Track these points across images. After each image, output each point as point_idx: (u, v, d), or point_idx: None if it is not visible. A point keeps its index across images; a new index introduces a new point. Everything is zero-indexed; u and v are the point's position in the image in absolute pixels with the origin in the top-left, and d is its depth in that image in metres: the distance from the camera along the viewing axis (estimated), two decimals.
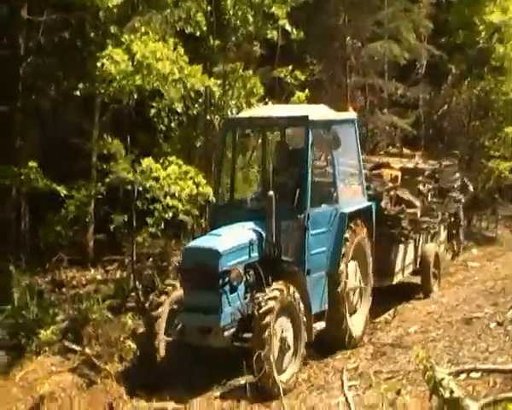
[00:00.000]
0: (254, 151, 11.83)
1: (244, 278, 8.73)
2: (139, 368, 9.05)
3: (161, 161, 10.21)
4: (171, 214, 10.63)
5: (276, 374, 8.16)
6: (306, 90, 13.16)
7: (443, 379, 5.40)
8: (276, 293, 8.44)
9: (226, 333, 8.44)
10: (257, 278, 8.85)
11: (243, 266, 8.77)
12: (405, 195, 12.17)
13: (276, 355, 8.35)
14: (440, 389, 5.29)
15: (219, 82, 11.76)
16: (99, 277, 11.92)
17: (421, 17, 18.21)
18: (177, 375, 8.59)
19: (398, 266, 11.97)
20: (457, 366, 8.06)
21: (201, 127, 12.44)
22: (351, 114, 10.93)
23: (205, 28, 11.88)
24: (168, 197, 10.46)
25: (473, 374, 7.29)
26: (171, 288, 9.01)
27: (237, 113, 11.42)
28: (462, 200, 15.33)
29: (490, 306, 11.28)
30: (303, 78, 13.52)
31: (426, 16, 18.49)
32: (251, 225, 9.18)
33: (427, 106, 20.26)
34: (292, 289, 8.66)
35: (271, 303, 8.29)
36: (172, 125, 12.33)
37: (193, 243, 9.25)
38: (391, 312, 11.68)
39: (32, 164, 10.54)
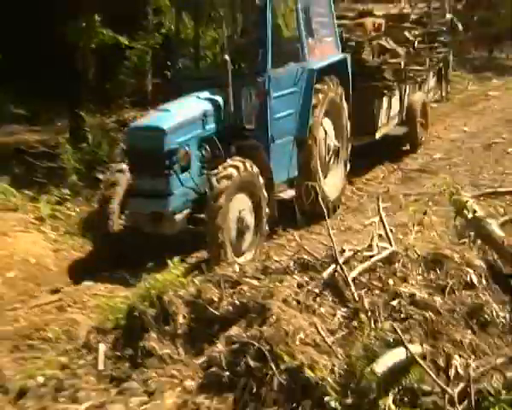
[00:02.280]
0: (215, 13, 9.75)
1: (199, 154, 7.26)
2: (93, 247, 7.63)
3: None
4: None
5: (232, 258, 6.62)
6: None
7: (467, 202, 5.38)
8: (230, 171, 6.85)
9: (178, 217, 6.95)
10: (215, 153, 7.34)
11: (196, 140, 7.23)
12: (389, 44, 10.38)
13: (233, 238, 6.90)
14: (464, 211, 5.28)
15: None
16: None
17: None
18: (129, 259, 6.91)
19: (381, 121, 10.30)
20: (478, 188, 8.04)
21: None
22: None
23: None
24: None
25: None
26: (120, 174, 7.34)
27: None
28: (450, 41, 13.76)
29: (508, 132, 11.08)
30: None
31: None
32: (206, 94, 7.52)
33: None
34: (249, 163, 7.04)
35: (225, 183, 6.75)
36: None
37: (136, 122, 7.60)
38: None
39: (96, 17, 10.37)
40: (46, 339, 5.48)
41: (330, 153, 8.59)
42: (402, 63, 10.42)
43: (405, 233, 6.04)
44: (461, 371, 3.71)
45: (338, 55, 8.87)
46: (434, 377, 3.57)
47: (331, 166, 8.69)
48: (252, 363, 3.76)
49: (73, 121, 10.94)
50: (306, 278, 4.48)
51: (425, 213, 7.07)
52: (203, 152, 7.31)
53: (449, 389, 3.52)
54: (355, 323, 4.12)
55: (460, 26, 14.74)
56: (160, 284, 4.59)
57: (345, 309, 4.23)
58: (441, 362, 3.78)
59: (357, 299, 4.24)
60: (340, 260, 4.48)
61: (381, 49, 10.24)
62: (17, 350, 5.43)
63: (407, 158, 10.85)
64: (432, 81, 12.47)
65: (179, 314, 4.41)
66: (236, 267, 4.73)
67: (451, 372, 3.72)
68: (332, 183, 8.63)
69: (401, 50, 10.50)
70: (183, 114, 7.21)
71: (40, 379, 4.30)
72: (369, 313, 4.15)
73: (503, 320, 4.14)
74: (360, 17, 10.77)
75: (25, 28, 12.77)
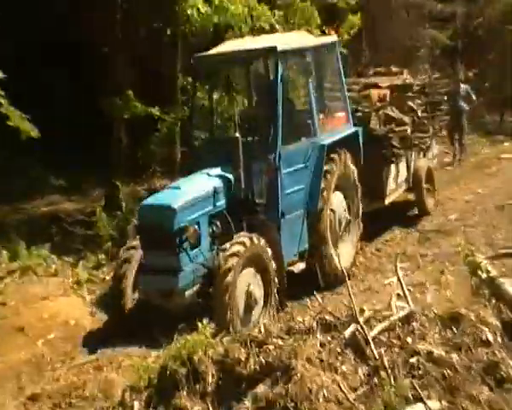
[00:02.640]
0: (231, 90, 9.69)
1: (210, 230, 7.00)
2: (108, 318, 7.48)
3: None
4: None
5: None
6: (359, 14, 12.65)
7: (481, 263, 5.43)
8: (238, 248, 6.57)
9: (188, 292, 6.68)
10: (226, 228, 7.06)
11: (207, 217, 6.99)
12: (394, 113, 10.25)
13: (241, 312, 6.62)
14: (479, 271, 5.32)
15: (282, 13, 11.40)
16: None
17: None
18: (141, 331, 6.71)
19: (389, 187, 10.13)
20: (492, 248, 8.04)
21: None
22: (331, 38, 9.00)
23: None
24: None
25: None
26: (134, 250, 7.10)
27: None
28: (466, 108, 14.28)
29: None
30: (353, 2, 13.00)
31: None
32: (217, 170, 7.29)
33: (463, 19, 19.47)
34: (257, 238, 6.79)
35: (232, 260, 6.46)
36: None
37: (148, 200, 7.19)
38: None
39: (129, 92, 10.78)
40: (84, 398, 5.56)
41: (341, 225, 8.36)
42: (408, 131, 10.35)
43: (423, 292, 6.06)
44: None
45: (349, 129, 8.65)
46: None
47: (342, 236, 8.45)
48: None
49: (109, 190, 11.25)
50: (329, 338, 4.55)
51: (441, 273, 7.11)
52: (213, 228, 7.08)
53: None
54: (376, 380, 4.17)
55: (474, 96, 15.02)
56: (190, 344, 4.66)
57: (366, 367, 4.29)
58: None
59: (377, 357, 4.30)
60: (361, 320, 4.55)
61: (387, 118, 10.11)
62: (58, 408, 5.53)
63: (423, 219, 10.88)
64: (435, 148, 12.38)
65: (209, 373, 4.48)
66: (262, 328, 4.79)
67: None
68: (343, 252, 8.37)
69: (407, 119, 10.43)
70: (194, 192, 6.97)
71: None
72: (389, 371, 4.20)
73: None
74: (365, 89, 10.73)
75: (61, 106, 13.30)
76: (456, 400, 3.91)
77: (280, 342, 4.55)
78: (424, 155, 11.55)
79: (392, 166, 10.27)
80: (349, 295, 4.78)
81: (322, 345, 4.45)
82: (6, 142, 10.07)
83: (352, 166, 8.56)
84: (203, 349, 4.62)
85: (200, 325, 4.90)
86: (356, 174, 8.64)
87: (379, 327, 4.58)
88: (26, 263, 8.69)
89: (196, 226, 6.78)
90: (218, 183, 7.20)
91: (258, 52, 7.95)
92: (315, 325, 4.74)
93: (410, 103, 10.88)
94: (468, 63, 18.19)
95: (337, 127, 8.49)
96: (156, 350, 6.00)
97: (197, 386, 4.44)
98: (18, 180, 12.86)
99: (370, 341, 4.39)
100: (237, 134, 7.09)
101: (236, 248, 6.58)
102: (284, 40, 8.23)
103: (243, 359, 4.47)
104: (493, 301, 4.95)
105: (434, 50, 19.22)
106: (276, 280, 7.03)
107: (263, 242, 6.88)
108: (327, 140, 8.01)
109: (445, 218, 10.77)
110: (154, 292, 6.81)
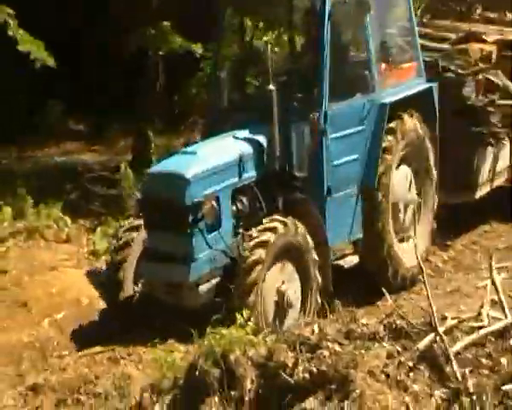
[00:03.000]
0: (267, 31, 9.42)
1: (233, 208, 6.84)
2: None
3: None
4: None
5: None
6: None
7: None
8: (268, 233, 6.45)
9: (203, 288, 6.50)
10: (255, 207, 6.95)
11: (230, 191, 6.81)
12: (500, 79, 9.61)
13: (270, 318, 6.50)
14: None
15: None
16: None
17: None
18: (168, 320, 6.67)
19: (483, 176, 9.61)
20: None
21: None
22: None
23: None
24: None
25: None
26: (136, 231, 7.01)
27: None
28: None
29: None
30: None
31: None
32: (245, 133, 7.13)
33: None
34: (294, 223, 6.66)
35: (259, 252, 6.32)
36: None
37: (156, 167, 7.12)
38: None
39: (165, 23, 10.86)
40: (95, 394, 5.68)
41: (408, 209, 8.12)
42: None
43: None
44: None
45: (421, 85, 8.34)
46: None
47: (409, 226, 8.16)
48: None
49: (138, 141, 11.45)
50: (399, 348, 4.54)
51: None
52: (238, 206, 6.89)
53: None
54: (456, 407, 4.16)
55: None
56: (227, 340, 4.74)
57: (444, 389, 4.27)
58: None
59: (459, 378, 4.27)
60: (441, 330, 4.53)
61: (489, 85, 9.57)
62: (63, 404, 5.67)
63: None
64: None
65: (247, 378, 4.55)
66: (316, 328, 4.84)
67: None
68: (410, 247, 7.93)
69: None
70: (214, 158, 6.83)
71: None
72: (475, 397, 4.17)
73: None
74: (464, 41, 9.88)
75: (86, 32, 13.64)
76: None
77: (337, 347, 4.56)
78: None
79: (490, 150, 9.77)
80: (427, 296, 4.78)
81: (389, 356, 4.45)
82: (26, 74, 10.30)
83: (424, 133, 8.28)
84: (242, 348, 4.67)
85: (238, 317, 4.99)
86: (430, 144, 8.39)
87: (465, 341, 4.55)
88: (33, 224, 8.95)
89: (216, 202, 6.62)
90: (245, 148, 7.04)
91: None
92: (382, 330, 4.74)
93: None
94: None
95: (404, 81, 8.24)
96: (185, 345, 6.12)
97: (232, 392, 4.52)
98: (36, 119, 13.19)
99: (452, 357, 4.36)
100: (272, 86, 6.89)
101: (267, 233, 6.44)
102: None
103: (290, 364, 4.50)
104: None
105: None
106: (319, 277, 6.88)
107: (302, 227, 6.74)
108: (389, 97, 7.77)
109: None
110: (159, 284, 6.75)
